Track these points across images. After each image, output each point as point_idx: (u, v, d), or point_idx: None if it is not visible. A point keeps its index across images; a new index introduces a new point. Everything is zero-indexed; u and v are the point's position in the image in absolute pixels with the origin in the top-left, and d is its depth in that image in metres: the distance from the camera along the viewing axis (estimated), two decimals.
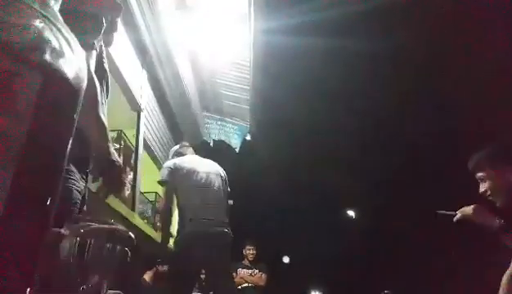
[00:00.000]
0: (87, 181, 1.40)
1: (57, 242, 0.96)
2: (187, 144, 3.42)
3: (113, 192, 1.50)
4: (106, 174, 1.40)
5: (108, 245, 1.11)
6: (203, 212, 2.87)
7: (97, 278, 1.07)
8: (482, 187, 1.97)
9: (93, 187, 1.55)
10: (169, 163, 3.06)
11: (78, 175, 1.31)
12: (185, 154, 3.21)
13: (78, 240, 1.03)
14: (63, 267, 0.94)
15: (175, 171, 2.97)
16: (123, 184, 1.57)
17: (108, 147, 1.39)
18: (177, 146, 3.40)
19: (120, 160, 1.54)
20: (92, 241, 1.06)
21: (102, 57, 1.45)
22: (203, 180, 3.02)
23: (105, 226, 1.16)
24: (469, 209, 2.00)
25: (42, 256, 0.44)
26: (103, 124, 1.37)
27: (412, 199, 13.42)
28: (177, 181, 2.95)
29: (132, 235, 1.25)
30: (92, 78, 1.33)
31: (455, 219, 2.05)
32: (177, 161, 3.07)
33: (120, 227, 1.22)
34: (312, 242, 17.27)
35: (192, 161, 3.12)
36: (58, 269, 0.94)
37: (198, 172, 3.02)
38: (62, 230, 0.97)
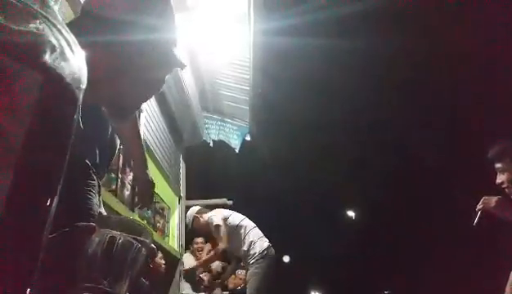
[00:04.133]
0: (100, 192, 1.47)
1: (88, 236, 0.98)
2: None
3: (145, 206, 1.85)
4: (141, 190, 1.70)
5: (135, 245, 1.14)
6: None
7: (120, 275, 1.09)
8: (500, 178, 1.95)
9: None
10: None
11: (96, 189, 1.37)
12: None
13: (108, 236, 1.05)
14: (90, 259, 0.96)
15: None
16: (152, 199, 1.88)
17: (147, 168, 1.70)
18: (197, 207, 4.74)
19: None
20: (121, 239, 1.08)
21: None
22: None
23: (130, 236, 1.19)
24: (492, 201, 1.98)
25: (42, 257, 0.44)
26: (143, 146, 1.68)
27: (413, 198, 13.42)
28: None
29: (154, 246, 1.33)
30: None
31: (477, 208, 2.04)
32: None
33: (143, 238, 1.24)
34: (312, 241, 17.27)
35: None
36: (85, 261, 0.96)
37: None
38: (93, 224, 1.00)
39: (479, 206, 2.05)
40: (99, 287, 1.01)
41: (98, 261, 1.02)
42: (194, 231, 4.65)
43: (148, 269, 3.86)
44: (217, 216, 4.34)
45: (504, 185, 1.94)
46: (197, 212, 4.57)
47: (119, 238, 1.08)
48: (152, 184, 1.71)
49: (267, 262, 4.10)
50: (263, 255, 4.11)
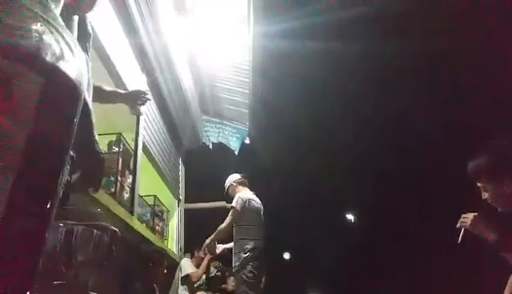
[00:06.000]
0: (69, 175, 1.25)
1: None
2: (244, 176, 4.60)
3: (90, 187, 1.30)
4: (86, 166, 1.22)
5: (95, 234, 1.12)
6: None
7: (84, 268, 1.08)
8: (484, 195, 1.98)
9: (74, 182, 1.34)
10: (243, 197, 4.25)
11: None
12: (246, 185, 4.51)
13: (64, 229, 1.03)
14: (49, 256, 0.93)
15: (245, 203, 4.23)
16: (101, 180, 1.36)
17: (92, 135, 1.20)
18: (239, 176, 4.51)
19: (103, 151, 1.33)
20: (79, 229, 1.06)
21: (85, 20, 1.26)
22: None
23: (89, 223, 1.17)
24: (468, 219, 2.01)
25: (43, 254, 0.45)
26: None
27: (413, 200, 13.43)
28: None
29: (116, 229, 1.23)
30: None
31: (457, 226, 2.07)
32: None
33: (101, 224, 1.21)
34: (313, 243, 17.28)
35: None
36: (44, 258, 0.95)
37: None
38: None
39: (458, 224, 2.08)
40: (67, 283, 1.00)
41: (58, 255, 1.01)
42: (228, 197, 4.56)
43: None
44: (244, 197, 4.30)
45: (489, 201, 1.96)
46: (235, 181, 4.49)
47: (77, 229, 1.07)
48: (101, 160, 1.28)
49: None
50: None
